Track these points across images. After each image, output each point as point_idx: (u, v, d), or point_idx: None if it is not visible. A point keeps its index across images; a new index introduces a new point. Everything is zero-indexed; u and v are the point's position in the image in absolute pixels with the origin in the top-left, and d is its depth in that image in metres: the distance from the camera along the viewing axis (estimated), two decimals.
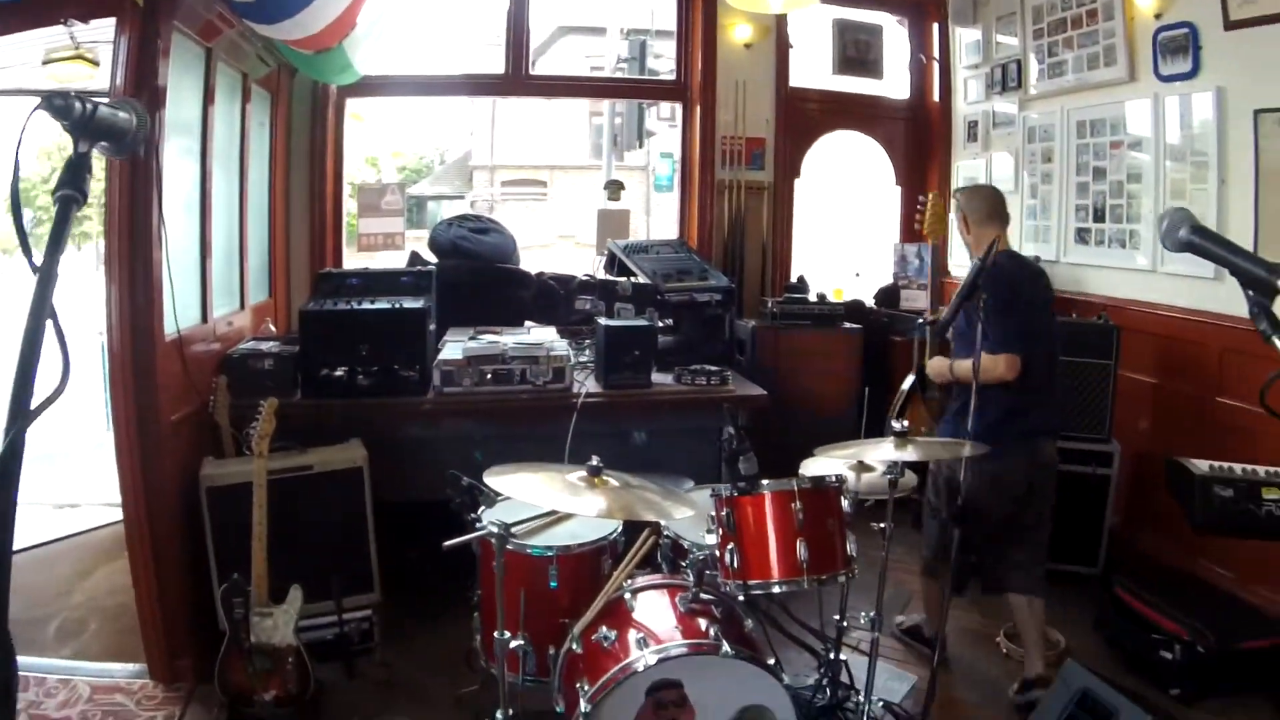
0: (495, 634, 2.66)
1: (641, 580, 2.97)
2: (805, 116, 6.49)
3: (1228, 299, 4.36)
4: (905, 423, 3.06)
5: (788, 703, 2.64)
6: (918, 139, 6.80)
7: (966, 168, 6.42)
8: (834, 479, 2.88)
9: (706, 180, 6.17)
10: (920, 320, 4.94)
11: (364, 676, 3.68)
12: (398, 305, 4.18)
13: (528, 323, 5.03)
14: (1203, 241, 1.55)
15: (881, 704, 3.37)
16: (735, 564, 2.76)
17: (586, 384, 4.28)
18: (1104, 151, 5.18)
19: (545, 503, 2.63)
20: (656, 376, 4.47)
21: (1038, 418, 3.58)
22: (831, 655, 3.28)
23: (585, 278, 5.13)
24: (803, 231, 6.65)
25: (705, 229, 6.19)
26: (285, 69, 5.06)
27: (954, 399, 3.83)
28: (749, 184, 6.18)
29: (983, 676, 3.89)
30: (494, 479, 2.64)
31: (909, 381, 4.89)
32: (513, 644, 2.69)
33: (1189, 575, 4.32)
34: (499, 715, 2.66)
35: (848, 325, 5.70)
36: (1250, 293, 1.51)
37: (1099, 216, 5.24)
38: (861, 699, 3.18)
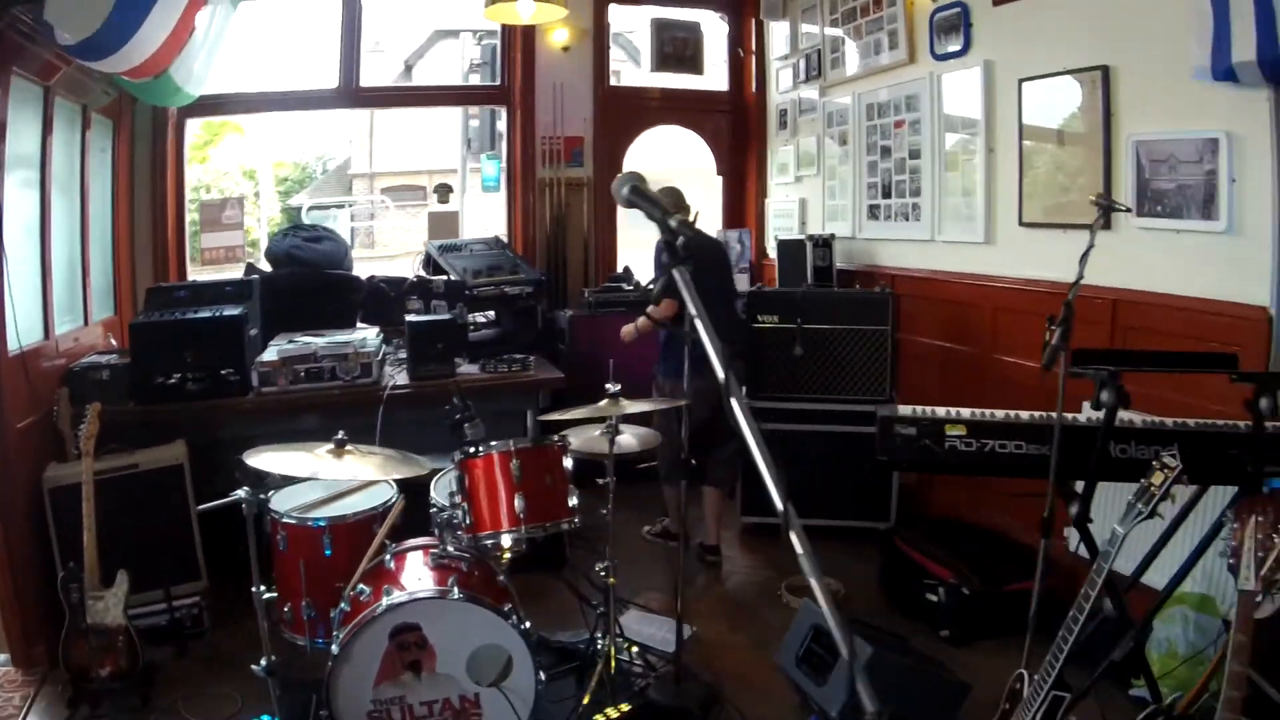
0: (252, 589, 3.00)
1: (409, 543, 3.33)
2: (625, 114, 6.80)
3: (998, 262, 4.77)
4: (618, 385, 3.44)
5: (521, 642, 2.98)
6: (738, 130, 7.15)
7: (781, 154, 6.81)
8: (557, 439, 3.26)
9: (529, 180, 6.47)
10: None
11: (194, 656, 4.00)
12: (218, 313, 4.49)
13: (359, 324, 5.33)
14: (637, 198, 1.81)
15: (636, 648, 3.72)
16: (469, 520, 3.13)
17: (398, 376, 4.63)
18: (889, 131, 5.56)
19: (298, 472, 2.99)
20: (466, 367, 4.83)
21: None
22: (600, 609, 3.60)
23: (414, 279, 5.44)
24: (632, 224, 6.95)
25: (530, 226, 6.49)
26: (127, 96, 5.29)
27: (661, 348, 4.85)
28: (569, 181, 6.50)
29: (760, 623, 4.24)
30: (253, 458, 2.97)
31: None
32: (266, 595, 3.03)
33: (976, 527, 4.58)
34: (262, 661, 2.99)
35: None
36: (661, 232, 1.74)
37: (886, 193, 5.61)
38: (605, 642, 3.49)
